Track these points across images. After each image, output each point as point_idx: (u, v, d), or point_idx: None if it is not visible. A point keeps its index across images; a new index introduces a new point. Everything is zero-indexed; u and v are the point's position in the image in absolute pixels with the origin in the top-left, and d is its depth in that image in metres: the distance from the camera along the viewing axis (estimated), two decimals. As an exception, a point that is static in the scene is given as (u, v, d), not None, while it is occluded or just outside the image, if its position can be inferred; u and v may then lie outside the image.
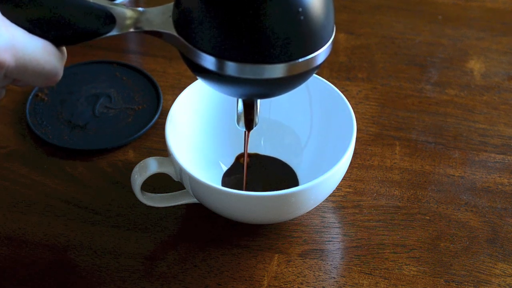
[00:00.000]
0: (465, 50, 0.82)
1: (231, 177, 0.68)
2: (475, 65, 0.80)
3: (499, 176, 0.69)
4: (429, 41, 0.83)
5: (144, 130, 0.73)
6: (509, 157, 0.70)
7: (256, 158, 0.69)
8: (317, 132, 0.68)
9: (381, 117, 0.74)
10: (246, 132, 0.61)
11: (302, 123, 0.69)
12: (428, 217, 0.65)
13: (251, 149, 0.69)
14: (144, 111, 0.75)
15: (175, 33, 0.51)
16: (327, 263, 0.62)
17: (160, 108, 0.75)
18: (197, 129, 0.67)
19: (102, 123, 0.74)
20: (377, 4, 0.88)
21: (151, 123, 0.73)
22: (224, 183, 0.67)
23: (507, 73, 0.79)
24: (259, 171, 0.69)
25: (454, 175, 0.69)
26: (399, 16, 0.87)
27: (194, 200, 0.64)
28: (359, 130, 0.72)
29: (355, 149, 0.68)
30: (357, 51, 0.82)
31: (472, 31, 0.85)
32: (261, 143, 0.70)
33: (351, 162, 0.65)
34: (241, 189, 0.65)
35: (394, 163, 0.70)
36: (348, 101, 0.64)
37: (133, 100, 0.76)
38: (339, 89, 0.65)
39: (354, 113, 0.63)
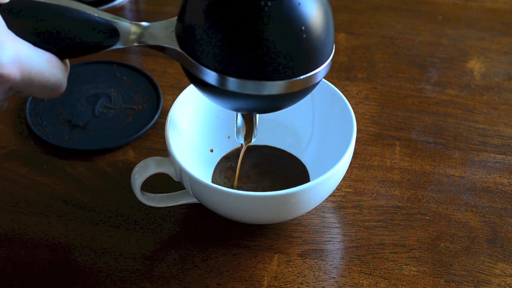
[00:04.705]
0: (465, 50, 0.82)
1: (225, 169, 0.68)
2: (475, 65, 0.80)
3: (499, 176, 0.69)
4: (429, 41, 0.83)
5: (144, 130, 0.73)
6: (509, 157, 0.70)
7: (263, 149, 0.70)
8: (317, 132, 0.68)
9: (381, 117, 0.74)
10: (243, 145, 0.62)
11: (303, 123, 0.69)
12: (428, 217, 0.65)
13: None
14: (144, 111, 0.75)
15: (178, 48, 0.52)
16: (327, 263, 0.62)
17: (160, 108, 0.75)
18: (197, 129, 0.67)
19: (102, 123, 0.74)
20: (377, 4, 0.88)
21: (151, 123, 0.73)
22: (215, 176, 0.67)
23: (507, 73, 0.79)
24: (264, 164, 0.69)
25: (454, 175, 0.69)
26: (399, 16, 0.87)
27: (194, 200, 0.64)
28: (359, 130, 0.72)
29: (355, 149, 0.68)
30: (357, 51, 0.82)
31: (472, 31, 0.85)
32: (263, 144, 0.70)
33: (351, 162, 0.65)
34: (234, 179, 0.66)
35: (394, 163, 0.70)
36: (348, 101, 0.64)
37: (133, 100, 0.76)
38: (339, 89, 0.65)
39: (354, 113, 0.63)
